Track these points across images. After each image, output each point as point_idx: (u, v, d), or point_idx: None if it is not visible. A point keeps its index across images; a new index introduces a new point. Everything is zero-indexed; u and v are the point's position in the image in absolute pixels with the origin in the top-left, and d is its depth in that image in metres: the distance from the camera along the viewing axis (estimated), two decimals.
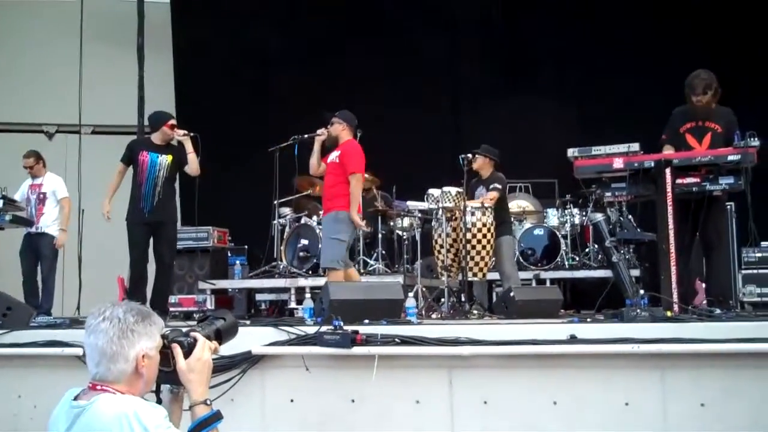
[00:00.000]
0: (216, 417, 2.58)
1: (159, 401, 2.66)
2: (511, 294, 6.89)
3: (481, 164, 8.44)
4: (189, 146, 7.46)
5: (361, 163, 7.32)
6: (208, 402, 2.60)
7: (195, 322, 2.87)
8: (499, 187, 8.27)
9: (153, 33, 10.48)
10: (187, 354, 2.62)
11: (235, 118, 11.74)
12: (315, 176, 8.08)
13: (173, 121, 7.57)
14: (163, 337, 2.60)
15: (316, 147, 7.59)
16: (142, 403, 2.41)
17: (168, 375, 2.62)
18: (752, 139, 6.08)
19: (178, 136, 7.46)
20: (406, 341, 5.25)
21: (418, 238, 8.77)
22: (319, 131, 7.59)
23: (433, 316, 7.50)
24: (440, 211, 8.10)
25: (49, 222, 8.68)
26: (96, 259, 10.22)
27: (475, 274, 7.99)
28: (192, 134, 7.49)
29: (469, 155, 8.15)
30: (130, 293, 7.42)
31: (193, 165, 7.47)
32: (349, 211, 7.19)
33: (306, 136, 7.79)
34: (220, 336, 2.82)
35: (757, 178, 6.19)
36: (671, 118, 6.81)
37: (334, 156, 7.45)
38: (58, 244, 8.65)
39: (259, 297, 9.98)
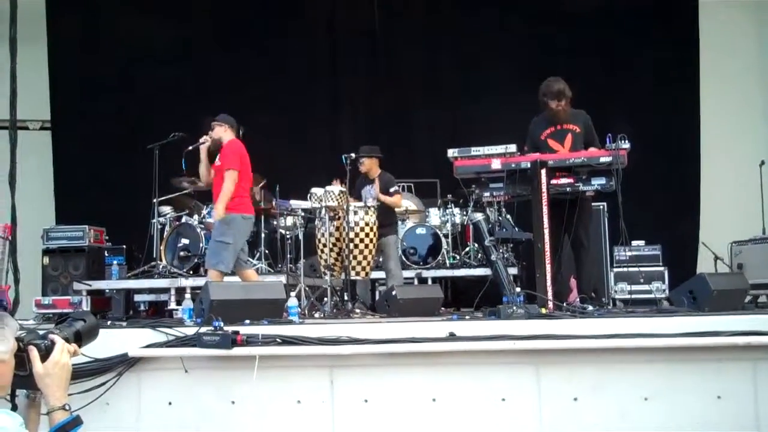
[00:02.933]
0: (75, 422, 2.49)
1: (14, 407, 2.56)
2: (393, 293, 6.96)
3: (370, 165, 8.54)
4: None
5: (236, 160, 7.25)
6: (67, 407, 2.51)
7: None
8: (398, 189, 8.44)
9: (27, 23, 10.03)
10: (45, 357, 2.51)
11: (112, 114, 11.39)
12: (208, 185, 7.92)
13: None
14: (18, 339, 2.49)
15: (203, 156, 7.51)
16: None
17: (24, 379, 2.51)
18: (623, 141, 6.35)
19: None
20: (287, 341, 5.24)
21: (301, 237, 8.74)
22: (201, 139, 7.50)
23: (316, 315, 7.49)
24: (323, 210, 8.10)
25: None
26: None
27: (357, 273, 8.03)
28: None
29: (352, 155, 8.19)
30: None
31: None
32: (237, 213, 7.22)
33: (191, 147, 7.65)
34: (80, 338, 2.72)
35: (627, 180, 6.46)
36: (531, 127, 7.05)
37: (218, 159, 7.41)
38: None
39: (138, 298, 9.70)
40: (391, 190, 8.49)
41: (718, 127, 10.98)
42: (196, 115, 10.82)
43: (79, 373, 5.18)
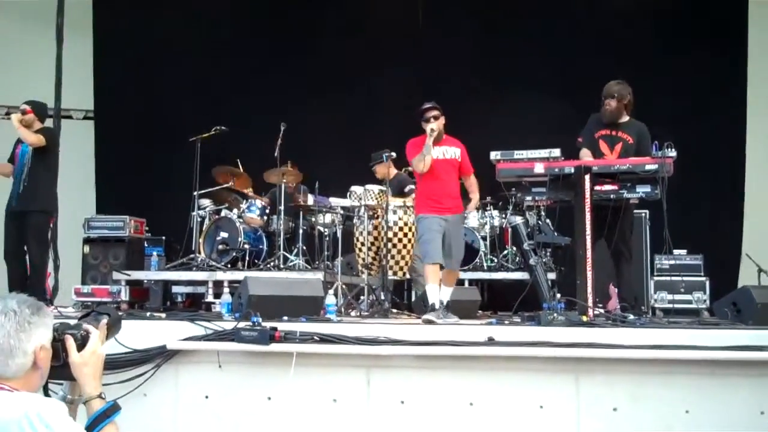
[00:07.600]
0: (113, 409, 2.50)
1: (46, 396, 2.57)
2: None
3: (382, 171, 8.45)
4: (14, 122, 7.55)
5: None
6: (103, 395, 2.52)
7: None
8: (413, 187, 8.28)
9: (74, 13, 10.14)
10: (80, 347, 2.53)
11: (155, 106, 11.47)
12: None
13: (24, 107, 7.65)
14: (54, 329, 2.50)
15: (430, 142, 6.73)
16: (43, 401, 2.31)
17: (57, 370, 2.51)
18: (669, 149, 6.24)
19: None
20: (325, 339, 5.23)
21: (339, 235, 8.72)
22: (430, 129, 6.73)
23: (352, 314, 7.48)
24: (362, 209, 8.09)
25: None
26: None
27: (395, 273, 8.01)
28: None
29: (393, 154, 8.15)
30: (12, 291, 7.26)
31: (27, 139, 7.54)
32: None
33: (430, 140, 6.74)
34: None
35: (671, 188, 6.35)
36: (589, 121, 6.98)
37: (452, 152, 6.88)
38: None
39: (175, 289, 9.77)
40: (406, 190, 8.41)
41: (765, 136, 10.80)
42: (237, 110, 10.96)
43: (117, 364, 5.22)
